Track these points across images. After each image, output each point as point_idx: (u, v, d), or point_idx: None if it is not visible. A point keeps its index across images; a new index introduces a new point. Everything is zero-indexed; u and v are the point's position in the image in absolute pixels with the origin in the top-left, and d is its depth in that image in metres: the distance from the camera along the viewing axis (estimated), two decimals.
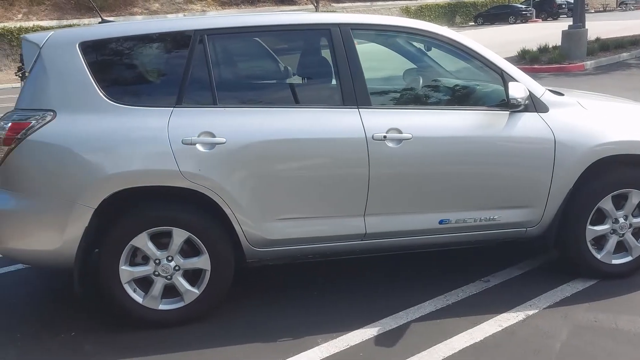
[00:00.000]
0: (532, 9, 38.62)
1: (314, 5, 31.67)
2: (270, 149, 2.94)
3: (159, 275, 2.96)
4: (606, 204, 3.28)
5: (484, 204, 3.20)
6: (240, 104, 3.08)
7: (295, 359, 2.71)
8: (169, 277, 2.97)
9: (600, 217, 3.33)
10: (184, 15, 28.81)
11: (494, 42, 17.72)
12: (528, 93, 3.14)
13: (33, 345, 2.92)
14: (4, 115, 2.95)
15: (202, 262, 2.98)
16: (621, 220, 3.33)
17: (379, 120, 3.05)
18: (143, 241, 2.90)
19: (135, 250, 2.94)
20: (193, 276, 3.03)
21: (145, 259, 2.96)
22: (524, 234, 3.32)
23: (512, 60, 13.72)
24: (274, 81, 3.76)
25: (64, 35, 3.03)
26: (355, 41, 3.14)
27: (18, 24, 25.77)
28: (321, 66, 3.30)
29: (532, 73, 9.00)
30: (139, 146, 2.85)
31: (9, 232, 2.91)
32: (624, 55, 14.96)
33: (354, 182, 3.04)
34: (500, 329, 2.89)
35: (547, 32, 20.40)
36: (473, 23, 39.52)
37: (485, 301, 3.18)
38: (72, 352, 2.84)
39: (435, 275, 3.53)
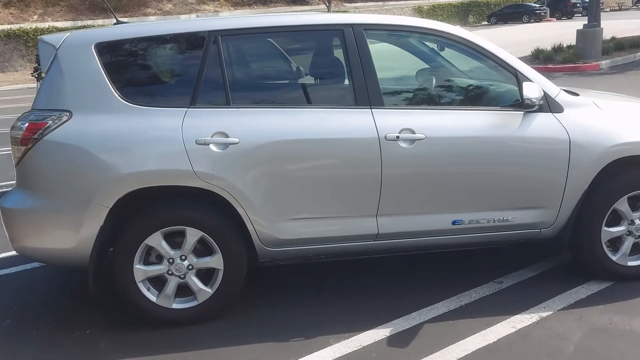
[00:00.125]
0: (546, 8, 38.27)
1: (326, 5, 31.68)
2: (283, 149, 2.95)
3: (172, 274, 2.98)
4: (622, 205, 3.25)
5: (497, 204, 3.18)
6: (254, 104, 3.10)
7: (308, 358, 2.71)
8: (182, 276, 2.99)
9: (616, 219, 3.29)
10: (197, 16, 28.95)
11: (508, 42, 17.59)
12: (542, 93, 3.12)
13: (48, 343, 2.95)
14: (22, 115, 2.99)
15: (215, 261, 3.00)
16: (637, 221, 3.29)
17: (391, 121, 3.04)
18: (157, 240, 2.93)
19: (150, 250, 2.97)
20: (206, 275, 3.05)
21: (159, 258, 2.99)
22: (537, 235, 3.30)
23: (526, 59, 13.62)
24: (287, 81, 3.77)
25: (80, 37, 3.06)
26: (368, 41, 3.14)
27: (34, 25, 26.11)
28: (334, 66, 3.30)
29: (546, 73, 8.94)
30: (153, 146, 2.87)
31: (26, 230, 2.95)
32: None
33: (366, 182, 3.04)
34: (513, 330, 2.88)
35: (561, 32, 20.22)
36: (486, 22, 39.26)
37: (498, 302, 3.16)
38: (87, 350, 2.87)
39: (448, 276, 3.52)
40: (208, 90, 3.01)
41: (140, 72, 3.15)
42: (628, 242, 3.32)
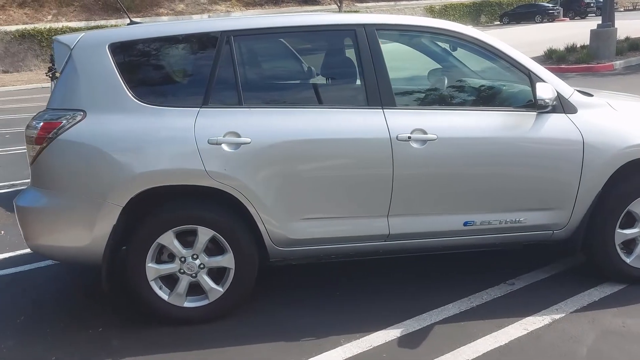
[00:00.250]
0: (559, 8, 37.97)
1: (337, 5, 31.66)
2: (295, 149, 2.96)
3: (184, 273, 3.00)
4: (636, 207, 3.22)
5: (509, 206, 3.17)
6: (265, 105, 3.11)
7: (318, 358, 2.71)
8: (194, 275, 3.01)
9: (630, 221, 3.26)
10: (209, 16, 29.08)
11: (520, 42, 17.49)
12: (556, 94, 3.10)
13: (62, 340, 2.98)
14: (36, 114, 3.02)
15: (227, 260, 3.01)
16: None
17: (403, 121, 3.04)
18: (169, 239, 2.95)
19: (162, 248, 2.99)
20: (217, 274, 3.07)
21: (171, 257, 3.00)
22: (550, 237, 3.28)
23: (539, 60, 13.52)
24: (299, 82, 3.77)
25: (94, 37, 3.09)
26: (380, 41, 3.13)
27: (48, 25, 26.39)
28: (346, 67, 3.30)
29: (560, 73, 8.86)
30: (166, 146, 2.89)
31: (40, 228, 2.98)
32: None
33: (378, 182, 3.03)
34: (525, 332, 2.86)
35: (574, 32, 20.04)
36: (498, 22, 39.03)
37: (510, 304, 3.15)
38: (100, 347, 2.90)
39: (459, 277, 3.50)
40: (220, 90, 3.02)
41: (153, 72, 3.18)
42: None
